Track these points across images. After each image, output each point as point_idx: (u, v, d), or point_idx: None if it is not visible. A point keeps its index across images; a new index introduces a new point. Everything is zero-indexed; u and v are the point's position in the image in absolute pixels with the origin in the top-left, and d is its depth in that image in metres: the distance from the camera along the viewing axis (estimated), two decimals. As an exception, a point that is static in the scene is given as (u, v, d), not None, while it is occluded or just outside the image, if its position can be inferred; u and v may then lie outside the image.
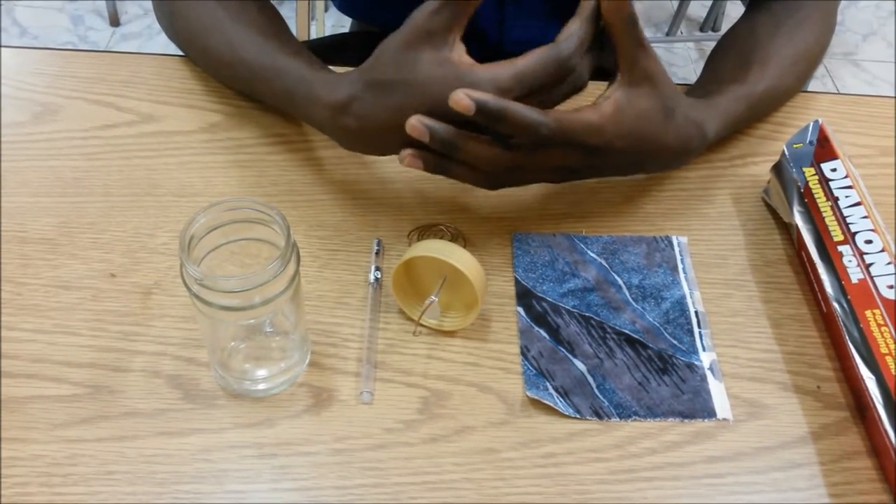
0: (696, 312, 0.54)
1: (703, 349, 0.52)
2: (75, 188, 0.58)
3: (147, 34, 1.96)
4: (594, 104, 0.50)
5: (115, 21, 1.98)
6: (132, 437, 0.46)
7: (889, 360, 0.47)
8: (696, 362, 0.51)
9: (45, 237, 0.55)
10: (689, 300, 0.54)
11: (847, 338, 0.49)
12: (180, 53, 0.69)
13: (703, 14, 2.12)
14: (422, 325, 0.52)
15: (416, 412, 0.48)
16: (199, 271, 0.40)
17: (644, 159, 0.54)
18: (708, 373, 0.51)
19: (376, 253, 0.55)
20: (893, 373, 0.47)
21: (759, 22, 0.67)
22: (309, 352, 0.50)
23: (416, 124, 0.48)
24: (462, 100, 0.46)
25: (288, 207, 0.58)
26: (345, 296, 0.53)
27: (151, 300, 0.52)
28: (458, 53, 0.49)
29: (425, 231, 0.57)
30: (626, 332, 0.52)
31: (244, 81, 0.61)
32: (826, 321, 0.53)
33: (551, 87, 0.50)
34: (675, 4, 2.10)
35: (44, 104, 0.64)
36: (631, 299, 0.54)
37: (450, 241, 0.54)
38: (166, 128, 0.63)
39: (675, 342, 0.52)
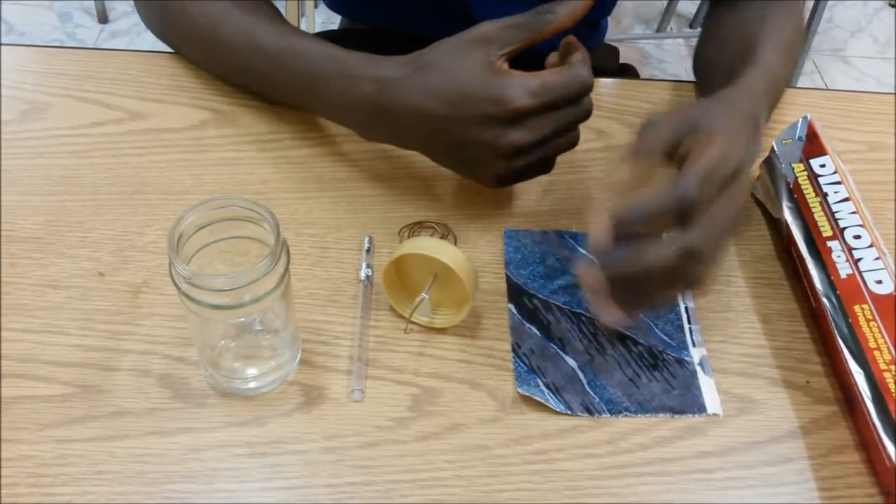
0: (686, 308, 0.54)
1: (694, 345, 0.52)
2: (63, 186, 0.58)
3: (136, 31, 1.94)
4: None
5: (103, 18, 1.97)
6: (122, 436, 0.46)
7: (877, 354, 0.48)
8: (686, 358, 0.51)
9: (32, 236, 0.55)
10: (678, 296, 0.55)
11: (836, 333, 0.49)
12: (169, 50, 0.68)
13: (693, 10, 2.13)
14: (413, 323, 0.52)
15: (407, 410, 0.48)
16: (187, 270, 0.40)
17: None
18: (698, 368, 0.51)
19: (367, 250, 0.55)
20: (881, 367, 0.47)
21: (742, 18, 0.67)
22: (299, 350, 0.50)
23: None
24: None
25: (278, 205, 0.58)
26: (335, 293, 0.53)
27: (140, 299, 0.52)
28: (502, 63, 0.51)
29: (416, 228, 0.57)
30: (617, 328, 0.52)
31: (256, 70, 0.60)
32: (815, 316, 0.53)
33: (569, 103, 0.51)
34: (665, 1, 2.10)
35: (31, 102, 0.64)
36: (621, 295, 0.54)
37: (440, 238, 0.54)
38: (155, 125, 0.63)
39: (665, 338, 0.52)
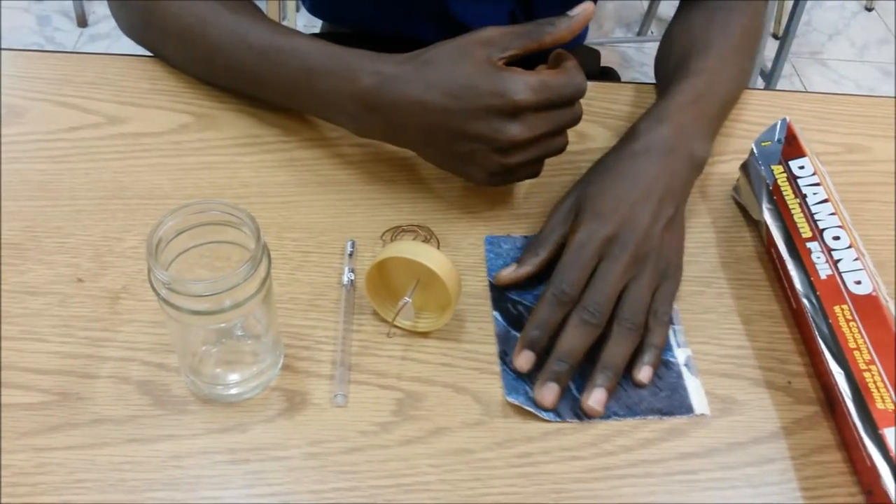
0: (669, 310, 0.54)
1: (678, 345, 0.52)
2: (41, 192, 0.57)
3: (115, 35, 1.93)
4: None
5: (82, 22, 1.95)
6: (102, 444, 0.45)
7: (857, 354, 0.48)
8: (671, 359, 0.52)
9: (10, 242, 0.54)
10: (661, 298, 0.55)
11: (816, 333, 0.50)
12: (149, 54, 0.68)
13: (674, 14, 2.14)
14: (396, 327, 0.52)
15: (390, 414, 0.48)
16: (167, 275, 0.40)
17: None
18: (683, 369, 0.51)
19: (349, 254, 0.55)
20: (861, 367, 0.47)
21: (689, 25, 0.68)
22: (282, 355, 0.49)
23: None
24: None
25: (259, 209, 0.57)
26: (318, 298, 0.53)
27: (120, 305, 0.51)
28: (502, 63, 0.52)
29: (399, 232, 0.57)
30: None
31: (245, 69, 0.60)
32: (796, 317, 0.54)
33: (564, 104, 0.53)
34: (646, 4, 2.11)
35: (8, 106, 0.63)
36: (604, 298, 0.54)
37: (423, 241, 0.54)
38: (134, 129, 0.62)
39: (648, 340, 0.52)
